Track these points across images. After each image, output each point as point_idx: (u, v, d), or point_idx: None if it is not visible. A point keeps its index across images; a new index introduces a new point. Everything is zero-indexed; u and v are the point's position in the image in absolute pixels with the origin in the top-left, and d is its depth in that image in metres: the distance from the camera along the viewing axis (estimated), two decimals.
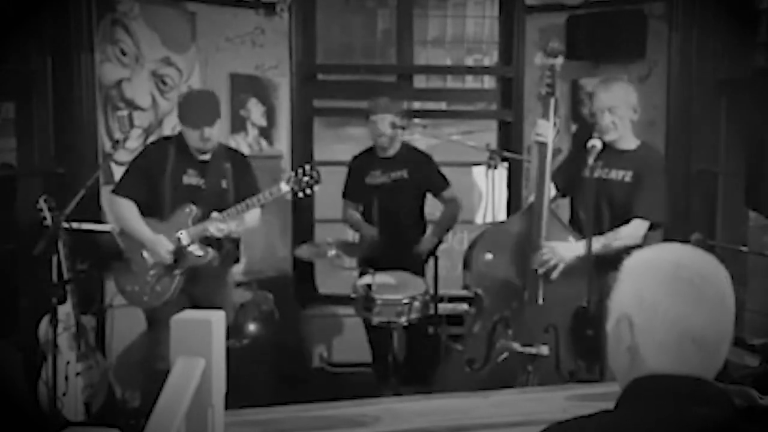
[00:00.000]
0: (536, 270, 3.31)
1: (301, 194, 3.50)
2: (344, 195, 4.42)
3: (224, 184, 3.64)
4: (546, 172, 3.36)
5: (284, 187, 3.47)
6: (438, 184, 4.32)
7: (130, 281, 3.62)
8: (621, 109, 3.37)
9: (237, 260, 3.90)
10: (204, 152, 3.61)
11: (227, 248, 3.70)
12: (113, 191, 3.69)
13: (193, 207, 3.55)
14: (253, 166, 3.82)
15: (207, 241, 3.57)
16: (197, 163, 3.63)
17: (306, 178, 3.47)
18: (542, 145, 3.36)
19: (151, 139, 4.49)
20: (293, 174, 3.49)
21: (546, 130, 3.35)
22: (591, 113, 3.54)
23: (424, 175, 4.30)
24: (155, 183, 3.59)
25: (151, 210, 3.61)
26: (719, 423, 1.15)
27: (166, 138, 3.91)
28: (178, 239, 3.53)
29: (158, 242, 3.53)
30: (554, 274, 3.30)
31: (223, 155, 3.67)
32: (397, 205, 4.23)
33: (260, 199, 3.50)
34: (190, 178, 3.61)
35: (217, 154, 3.64)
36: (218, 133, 3.60)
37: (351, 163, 4.44)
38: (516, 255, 3.42)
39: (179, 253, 3.55)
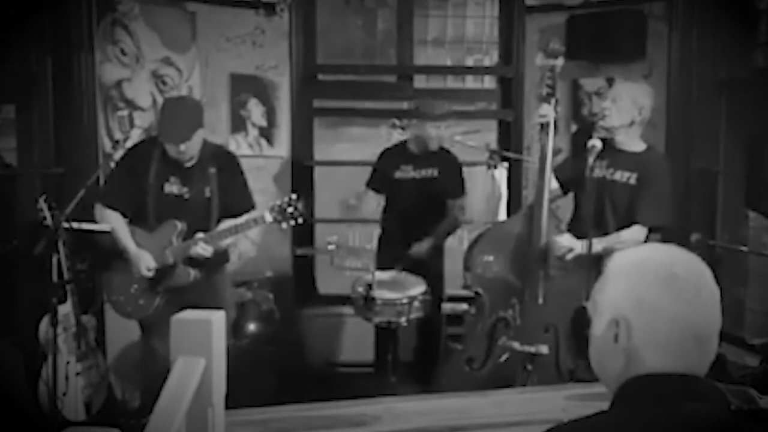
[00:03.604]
0: (558, 254, 3.30)
1: (284, 225, 3.39)
2: (368, 184, 4.40)
3: (207, 192, 3.50)
4: (548, 154, 3.36)
5: (268, 217, 3.37)
6: (457, 190, 4.32)
7: (116, 291, 3.58)
8: (623, 102, 3.39)
9: (227, 260, 3.79)
10: (183, 160, 3.48)
11: (214, 257, 3.55)
12: (98, 200, 3.58)
13: (178, 223, 3.46)
14: (242, 165, 3.66)
15: (190, 261, 3.48)
16: (180, 169, 3.49)
17: (290, 209, 3.36)
18: (545, 126, 3.38)
19: None
20: (278, 204, 3.38)
21: (549, 111, 3.36)
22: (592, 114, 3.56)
23: (452, 177, 4.30)
24: (138, 190, 3.49)
25: (137, 219, 3.54)
26: (716, 419, 1.15)
27: (148, 140, 3.73)
28: (164, 257, 3.46)
29: (140, 258, 3.45)
30: (570, 255, 3.30)
31: (209, 158, 3.53)
32: (422, 203, 4.23)
33: (243, 227, 3.42)
34: (172, 186, 3.50)
35: (202, 158, 3.51)
36: (197, 143, 3.45)
37: (380, 155, 4.42)
38: (516, 254, 3.43)
39: (162, 271, 3.48)
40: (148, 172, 3.48)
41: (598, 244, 3.22)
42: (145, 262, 3.46)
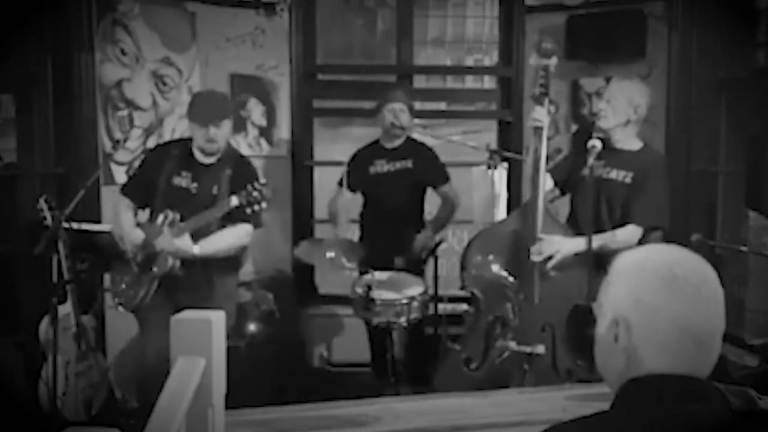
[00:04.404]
0: (533, 260, 3.30)
1: (249, 210, 3.34)
2: (340, 183, 4.38)
3: (215, 190, 3.50)
4: (542, 158, 3.36)
5: (234, 201, 3.33)
6: (439, 178, 4.34)
7: (115, 281, 3.61)
8: (618, 101, 3.39)
9: (235, 267, 3.75)
10: (208, 154, 3.53)
11: (222, 261, 3.53)
12: (120, 190, 3.72)
13: (169, 212, 3.44)
14: (258, 175, 3.64)
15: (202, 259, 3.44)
16: (196, 165, 3.54)
17: (255, 194, 3.32)
18: (538, 130, 3.38)
19: (152, 139, 4.51)
20: (244, 189, 3.34)
21: (542, 115, 3.36)
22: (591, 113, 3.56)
23: (428, 166, 4.32)
24: (153, 185, 3.55)
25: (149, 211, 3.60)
26: (717, 422, 1.15)
27: (174, 141, 3.87)
28: (153, 245, 3.44)
29: (130, 234, 3.48)
30: (551, 264, 3.30)
31: (229, 161, 3.57)
32: (399, 195, 4.24)
33: (211, 214, 3.38)
34: (181, 180, 3.53)
35: (223, 159, 3.56)
36: (225, 134, 3.52)
37: (354, 154, 4.43)
38: (512, 254, 3.43)
39: (149, 259, 3.46)
40: (164, 166, 3.54)
41: (594, 243, 3.22)
42: (132, 239, 3.47)
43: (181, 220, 3.44)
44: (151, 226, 3.51)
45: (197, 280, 3.51)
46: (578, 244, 3.24)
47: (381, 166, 4.30)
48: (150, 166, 3.62)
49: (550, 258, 3.30)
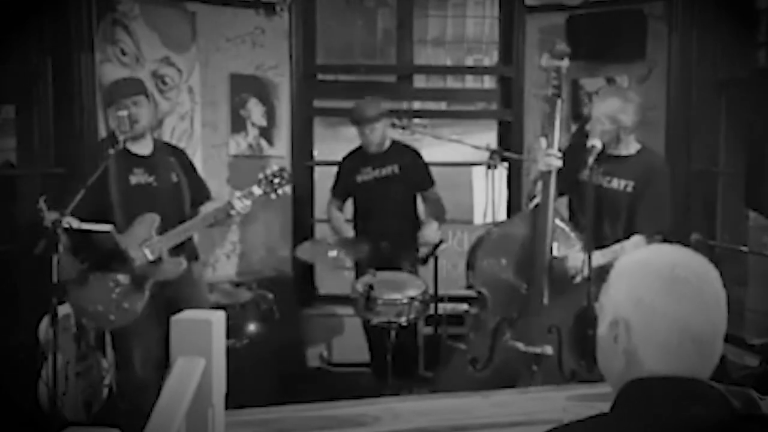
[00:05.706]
0: (575, 280, 3.30)
1: (273, 196, 3.42)
2: (333, 192, 4.43)
3: (174, 177, 3.51)
4: (550, 196, 3.35)
5: (256, 191, 3.38)
6: (425, 181, 4.34)
7: (92, 301, 3.43)
8: (603, 124, 3.34)
9: (197, 257, 3.74)
10: (134, 137, 3.40)
11: (187, 247, 3.53)
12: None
13: (156, 217, 3.38)
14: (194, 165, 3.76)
15: (176, 250, 3.41)
16: (141, 160, 3.48)
17: (277, 180, 3.40)
18: (547, 173, 3.37)
19: None
20: (263, 177, 3.40)
21: (556, 161, 3.35)
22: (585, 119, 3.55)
23: (415, 171, 4.32)
24: (103, 194, 3.40)
25: (105, 221, 3.38)
26: (718, 423, 1.15)
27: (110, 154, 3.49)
28: (143, 253, 3.36)
29: None
30: (578, 279, 3.29)
31: (164, 150, 3.59)
32: (389, 201, 4.24)
33: (204, 221, 3.40)
34: (138, 177, 3.47)
35: (158, 148, 3.56)
36: (145, 114, 3.45)
37: (342, 162, 4.46)
38: (520, 254, 3.42)
39: (145, 267, 3.37)
40: (108, 173, 3.39)
41: (602, 258, 3.21)
42: None
43: (162, 222, 3.39)
44: (126, 236, 3.38)
45: (182, 277, 3.48)
46: (597, 258, 3.20)
47: (367, 174, 4.29)
48: (96, 179, 3.31)
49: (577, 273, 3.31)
